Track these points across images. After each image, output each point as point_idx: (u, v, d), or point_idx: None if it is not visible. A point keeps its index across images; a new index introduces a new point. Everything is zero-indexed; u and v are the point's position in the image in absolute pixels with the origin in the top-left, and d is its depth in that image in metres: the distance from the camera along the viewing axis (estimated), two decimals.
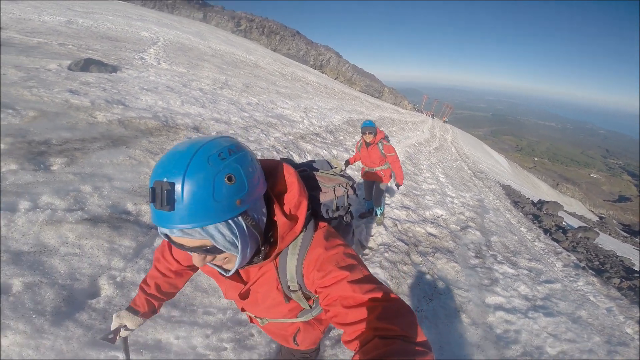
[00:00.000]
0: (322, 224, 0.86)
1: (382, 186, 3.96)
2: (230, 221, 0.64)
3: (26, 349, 1.48)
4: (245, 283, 0.90)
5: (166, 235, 0.66)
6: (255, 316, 1.05)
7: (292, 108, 9.13)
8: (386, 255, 3.46)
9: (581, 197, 54.88)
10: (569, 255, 5.73)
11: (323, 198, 0.93)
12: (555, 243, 6.53)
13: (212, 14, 30.68)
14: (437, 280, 3.40)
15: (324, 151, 6.45)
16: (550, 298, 3.79)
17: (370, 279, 0.72)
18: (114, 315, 1.11)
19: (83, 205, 2.40)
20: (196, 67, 9.66)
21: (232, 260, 0.73)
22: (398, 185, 3.94)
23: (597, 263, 6.15)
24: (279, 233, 0.76)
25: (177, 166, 0.58)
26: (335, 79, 35.21)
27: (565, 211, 17.23)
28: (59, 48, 6.90)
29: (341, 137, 8.43)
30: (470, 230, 5.13)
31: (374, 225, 4.25)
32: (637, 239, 18.03)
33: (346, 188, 0.97)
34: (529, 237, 6.14)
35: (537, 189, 30.61)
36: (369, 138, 3.66)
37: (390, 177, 3.97)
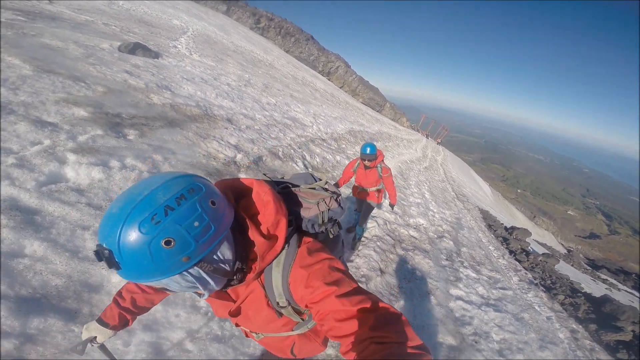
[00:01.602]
0: (306, 239, 0.88)
1: (373, 205, 3.95)
2: (182, 273, 0.66)
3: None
4: (234, 301, 0.90)
5: None
6: (250, 331, 1.06)
7: (304, 112, 9.92)
8: (378, 244, 4.30)
9: (554, 230, 57.42)
10: (526, 273, 6.73)
11: (308, 214, 0.94)
12: (517, 262, 7.53)
13: (236, 8, 31.39)
14: (415, 270, 4.26)
15: (330, 156, 7.23)
16: (501, 300, 4.67)
17: (358, 290, 0.74)
18: (84, 327, 1.11)
19: (159, 170, 3.13)
20: (222, 62, 10.38)
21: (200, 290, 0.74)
22: (392, 206, 4.03)
23: (549, 282, 7.17)
24: (258, 253, 0.78)
25: (112, 232, 0.59)
26: (340, 87, 36.25)
27: (536, 241, 18.60)
28: (104, 28, 7.54)
29: (343, 145, 9.23)
30: (445, 239, 6.01)
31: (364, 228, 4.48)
32: (598, 273, 19.76)
33: (329, 203, 0.98)
34: (495, 255, 7.07)
35: (515, 218, 32.03)
36: (368, 163, 3.58)
37: (382, 196, 3.97)
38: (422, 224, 6.27)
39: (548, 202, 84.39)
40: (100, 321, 1.08)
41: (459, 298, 4.19)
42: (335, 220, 1.03)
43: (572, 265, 15.70)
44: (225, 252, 0.73)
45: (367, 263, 3.78)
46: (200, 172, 3.47)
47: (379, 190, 3.84)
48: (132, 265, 0.61)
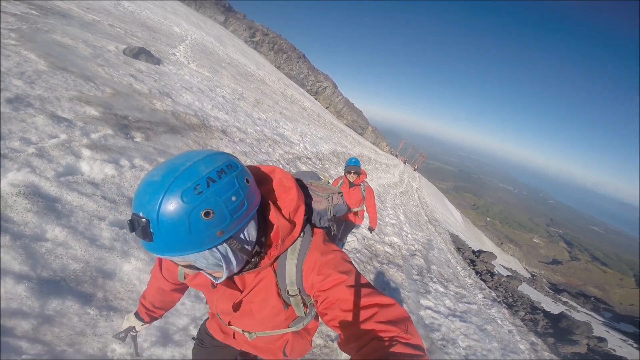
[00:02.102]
0: (317, 230, 0.89)
1: (353, 227, 3.96)
2: (212, 249, 0.66)
3: (143, 274, 2.19)
4: (240, 291, 0.90)
5: None
6: (243, 330, 1.04)
7: (292, 130, 10.36)
8: (357, 255, 4.70)
9: (520, 256, 60.78)
10: (490, 292, 7.35)
11: (318, 206, 0.96)
12: (482, 282, 8.21)
13: (233, 19, 32.15)
14: (389, 281, 4.70)
15: None
16: (466, 313, 5.15)
17: (366, 284, 0.74)
18: (125, 318, 1.30)
19: None
20: (217, 73, 10.72)
21: (221, 271, 0.74)
22: (372, 230, 4.04)
23: (511, 300, 7.83)
24: (280, 236, 0.78)
25: (151, 201, 0.59)
26: (326, 107, 37.40)
27: (503, 266, 19.64)
28: (110, 29, 7.74)
29: (327, 165, 9.69)
30: (416, 257, 6.51)
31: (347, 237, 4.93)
32: (559, 295, 21.25)
33: (337, 199, 1.02)
34: (462, 274, 7.65)
35: (483, 244, 33.67)
36: (353, 178, 3.59)
37: (363, 218, 3.99)
38: (396, 242, 6.73)
39: (515, 230, 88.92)
40: (137, 315, 1.26)
41: (428, 308, 4.63)
42: (335, 216, 1.06)
43: (535, 288, 16.85)
44: (251, 231, 0.74)
45: None
46: None
47: (360, 212, 3.85)
48: (168, 236, 0.61)
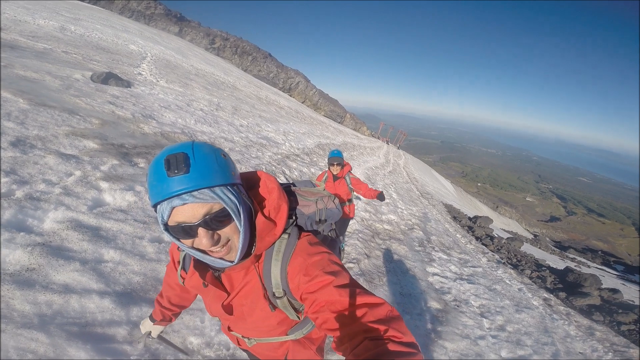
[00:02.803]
0: (306, 233, 0.92)
1: (346, 222, 3.94)
2: (231, 186, 0.75)
3: None
4: (227, 293, 0.92)
5: (166, 226, 0.73)
6: (242, 336, 1.06)
7: (274, 131, 10.59)
8: (360, 235, 5.09)
9: (518, 218, 62.45)
10: (493, 255, 7.65)
11: (306, 211, 0.99)
12: (484, 246, 8.47)
13: (188, 29, 31.59)
14: (394, 254, 5.09)
15: (305, 169, 7.92)
16: (473, 275, 5.46)
17: (355, 284, 0.75)
18: (141, 324, 1.38)
19: None
20: (188, 87, 10.78)
21: (234, 246, 0.78)
22: (381, 197, 3.76)
23: (515, 260, 8.17)
24: (257, 233, 0.82)
25: (183, 146, 0.71)
26: (302, 102, 37.49)
27: (503, 229, 20.13)
28: (65, 56, 7.66)
29: (315, 159, 9.97)
30: (415, 230, 6.93)
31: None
32: (566, 253, 21.73)
33: (327, 202, 1.05)
34: (462, 241, 8.07)
35: (479, 210, 34.42)
36: (336, 170, 3.55)
37: (354, 212, 3.93)
38: (394, 219, 7.15)
39: (507, 191, 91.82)
40: (151, 318, 1.34)
41: (435, 274, 4.96)
42: (331, 223, 1.10)
43: (539, 248, 16.97)
44: (247, 200, 0.83)
45: (354, 250, 4.52)
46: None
47: (350, 205, 3.78)
48: (203, 164, 0.70)
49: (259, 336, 1.02)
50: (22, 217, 2.30)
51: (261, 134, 9.16)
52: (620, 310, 5.89)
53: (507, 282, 5.88)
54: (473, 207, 33.80)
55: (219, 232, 0.75)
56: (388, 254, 5.01)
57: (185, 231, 0.72)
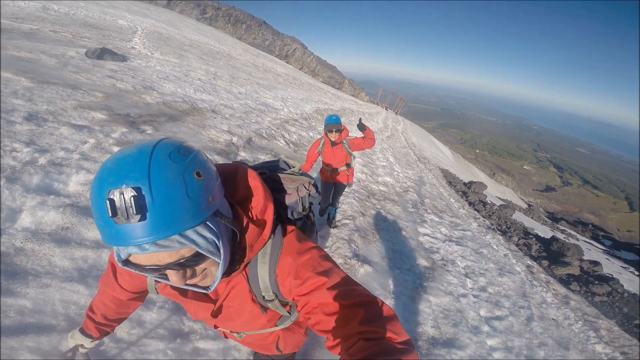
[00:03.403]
0: (289, 227, 0.85)
1: (343, 188, 3.82)
2: (208, 222, 0.61)
3: None
4: (214, 301, 0.86)
5: (126, 262, 0.59)
6: (231, 331, 1.02)
7: (273, 98, 10.57)
8: (356, 195, 5.35)
9: (514, 186, 63.00)
10: (484, 220, 7.92)
11: (288, 200, 0.91)
12: (476, 212, 8.72)
13: (178, 0, 30.15)
14: (387, 214, 5.36)
15: (304, 133, 8.05)
16: (462, 238, 5.68)
17: (348, 281, 0.73)
18: (69, 336, 1.14)
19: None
20: (184, 58, 10.63)
21: (211, 273, 0.69)
22: (362, 126, 3.53)
23: (504, 227, 8.44)
24: (247, 241, 0.73)
25: (136, 168, 0.52)
26: (300, 69, 36.54)
27: (499, 198, 20.28)
28: (54, 35, 7.50)
29: (313, 123, 10.06)
30: (409, 192, 7.18)
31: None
32: (557, 225, 22.00)
33: (308, 188, 0.97)
34: (456, 206, 8.37)
35: (476, 177, 34.68)
36: (334, 137, 3.39)
37: (352, 176, 3.86)
38: (389, 181, 7.40)
39: (505, 159, 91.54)
40: (83, 331, 1.10)
41: (425, 235, 5.21)
42: (311, 204, 1.03)
43: (532, 218, 17.20)
44: (226, 209, 0.70)
45: (350, 208, 4.80)
46: (211, 152, 4.23)
47: (349, 169, 3.69)
48: (167, 204, 0.52)
49: (249, 330, 1.00)
50: (49, 181, 2.54)
51: (260, 101, 9.19)
52: (596, 282, 6.13)
53: (494, 247, 6.08)
54: (470, 173, 33.94)
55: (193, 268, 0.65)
56: (382, 214, 5.27)
57: (149, 271, 0.60)
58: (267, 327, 0.97)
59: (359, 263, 3.53)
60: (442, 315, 3.38)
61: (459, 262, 4.69)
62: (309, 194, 0.98)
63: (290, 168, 1.03)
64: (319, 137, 4.06)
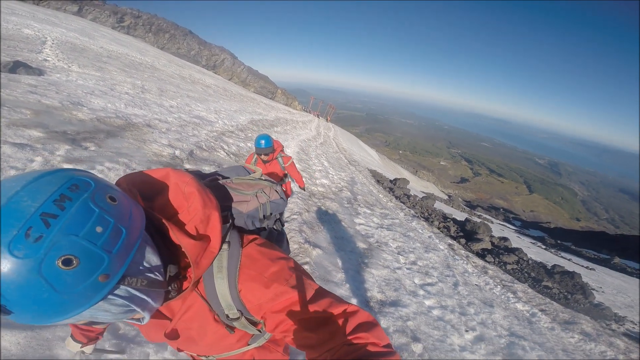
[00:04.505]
0: (249, 237, 0.77)
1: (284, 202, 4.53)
2: (107, 298, 0.51)
3: None
4: (169, 319, 0.76)
5: None
6: (198, 355, 0.91)
7: (206, 110, 10.80)
8: (300, 195, 6.10)
9: (434, 180, 71.28)
10: (409, 210, 9.27)
11: (245, 208, 0.83)
12: (402, 204, 10.09)
13: (90, 7, 27.34)
14: (327, 209, 6.26)
15: (242, 144, 8.54)
16: (392, 225, 6.75)
17: (322, 292, 0.70)
18: (65, 343, 1.12)
19: (133, 168, 4.14)
20: (105, 71, 10.18)
21: (139, 314, 0.62)
22: (303, 188, 3.96)
23: (427, 215, 9.96)
24: (189, 258, 0.64)
25: None
26: (229, 79, 36.17)
27: (423, 192, 23.01)
28: None
29: (250, 134, 10.51)
30: (344, 191, 8.28)
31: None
32: (474, 211, 25.42)
33: (269, 193, 0.88)
34: (384, 200, 9.64)
35: (401, 175, 38.33)
36: (266, 158, 3.32)
37: (290, 189, 3.88)
38: (326, 183, 8.39)
39: (424, 157, 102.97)
40: (73, 338, 1.08)
41: (361, 224, 6.18)
42: (278, 214, 0.95)
43: (452, 207, 19.71)
44: (151, 258, 0.60)
45: (296, 206, 5.53)
46: (159, 166, 4.58)
47: (286, 185, 3.66)
48: (29, 305, 0.43)
49: (218, 353, 0.89)
50: None
51: (193, 114, 9.39)
52: (505, 253, 7.36)
53: (420, 230, 7.15)
54: (396, 172, 37.55)
55: None
56: (323, 209, 6.15)
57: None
58: (236, 348, 0.86)
59: (311, 247, 4.30)
60: (385, 283, 4.18)
61: (391, 244, 5.59)
62: (270, 201, 0.88)
63: (250, 174, 0.95)
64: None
